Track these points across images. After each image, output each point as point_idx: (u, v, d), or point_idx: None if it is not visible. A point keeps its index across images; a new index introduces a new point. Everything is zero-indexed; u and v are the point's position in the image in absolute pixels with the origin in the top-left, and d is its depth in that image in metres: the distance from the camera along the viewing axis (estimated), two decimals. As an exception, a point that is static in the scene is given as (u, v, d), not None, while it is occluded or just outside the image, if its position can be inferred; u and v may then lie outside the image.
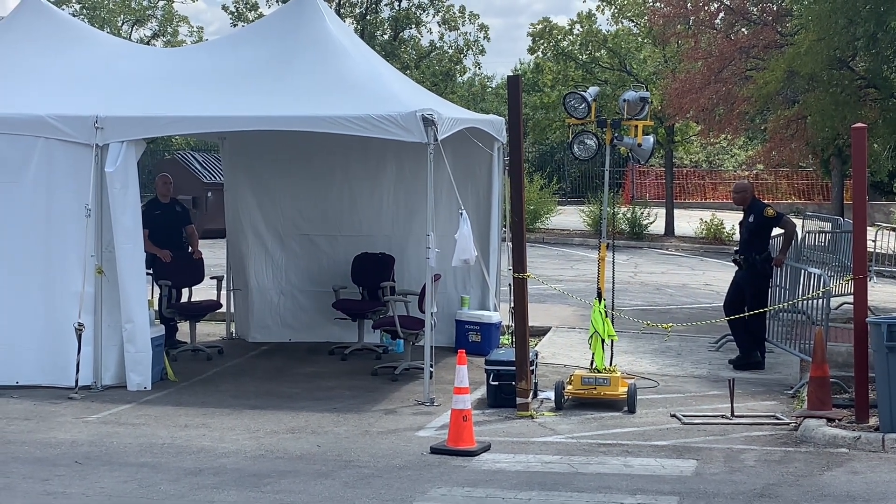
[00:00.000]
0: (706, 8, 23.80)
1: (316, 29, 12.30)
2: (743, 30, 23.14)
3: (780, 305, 12.56)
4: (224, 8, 38.15)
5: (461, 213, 10.73)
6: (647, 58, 29.98)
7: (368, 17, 38.67)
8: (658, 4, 25.92)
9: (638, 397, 10.56)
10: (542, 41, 32.01)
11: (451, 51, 39.67)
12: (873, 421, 9.58)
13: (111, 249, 11.06)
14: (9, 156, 11.21)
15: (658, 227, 29.36)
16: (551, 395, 10.67)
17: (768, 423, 10.03)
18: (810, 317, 12.28)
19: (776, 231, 13.14)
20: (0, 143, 11.20)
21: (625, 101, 10.99)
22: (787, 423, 9.98)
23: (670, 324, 11.50)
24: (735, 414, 10.21)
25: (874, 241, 20.17)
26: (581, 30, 31.39)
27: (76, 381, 10.83)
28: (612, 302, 11.17)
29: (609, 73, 30.28)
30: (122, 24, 40.00)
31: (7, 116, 11.22)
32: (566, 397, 10.59)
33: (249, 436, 9.42)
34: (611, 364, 10.85)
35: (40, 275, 11.23)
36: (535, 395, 10.78)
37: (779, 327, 12.93)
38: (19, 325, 11.22)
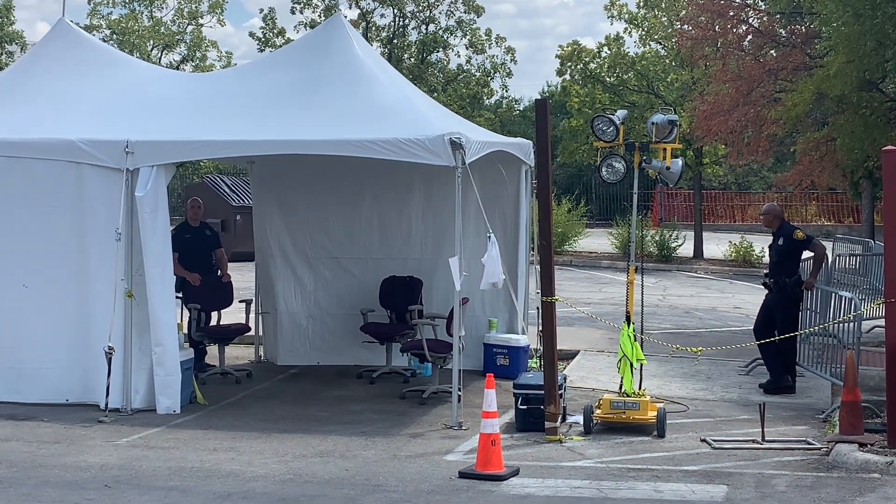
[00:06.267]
0: (734, 30, 23.72)
1: (344, 53, 12.36)
2: (771, 52, 23.05)
3: (811, 329, 12.46)
4: (251, 34, 38.53)
5: (489, 237, 10.71)
6: (675, 80, 29.95)
7: (396, 41, 38.86)
8: (686, 27, 25.89)
9: (667, 421, 10.49)
10: (570, 64, 32.07)
11: (478, 74, 39.80)
12: (906, 446, 9.49)
13: (141, 273, 11.11)
14: (41, 180, 11.30)
15: (687, 249, 29.24)
16: (580, 419, 10.62)
17: (799, 448, 9.94)
18: (841, 340, 12.17)
19: (806, 254, 13.06)
20: (32, 168, 11.31)
21: (653, 124, 10.96)
22: (819, 448, 9.89)
23: (700, 348, 11.41)
24: (766, 439, 10.13)
25: (905, 264, 19.96)
26: (609, 52, 31.43)
27: (106, 405, 10.86)
28: (641, 325, 11.12)
29: (637, 96, 30.27)
30: (152, 49, 40.36)
31: (39, 141, 11.32)
32: (595, 421, 10.54)
33: (278, 459, 9.42)
34: (640, 388, 10.79)
35: (71, 298, 11.30)
36: (564, 419, 10.74)
37: (810, 351, 12.83)
38: (51, 348, 11.30)
